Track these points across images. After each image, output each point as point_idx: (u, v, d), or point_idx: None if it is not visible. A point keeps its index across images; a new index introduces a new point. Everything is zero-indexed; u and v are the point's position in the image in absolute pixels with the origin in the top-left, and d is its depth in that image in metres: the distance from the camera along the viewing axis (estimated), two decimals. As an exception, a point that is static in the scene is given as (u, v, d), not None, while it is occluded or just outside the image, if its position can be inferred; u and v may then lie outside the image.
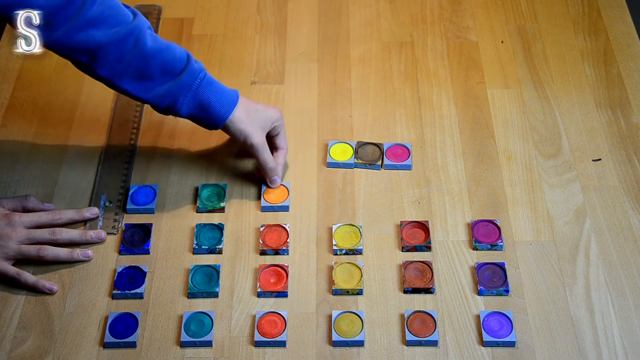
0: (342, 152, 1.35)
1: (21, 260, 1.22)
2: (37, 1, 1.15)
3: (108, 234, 1.27)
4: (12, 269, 1.20)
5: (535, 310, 1.18)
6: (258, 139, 1.29)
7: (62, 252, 1.23)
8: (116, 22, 1.20)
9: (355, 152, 1.35)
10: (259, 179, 1.33)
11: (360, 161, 1.34)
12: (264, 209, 1.30)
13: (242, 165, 1.36)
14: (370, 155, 1.35)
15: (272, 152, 1.32)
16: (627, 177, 1.32)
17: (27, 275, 1.20)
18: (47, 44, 1.19)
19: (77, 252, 1.23)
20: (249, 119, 1.28)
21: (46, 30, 1.17)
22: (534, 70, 1.48)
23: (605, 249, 1.24)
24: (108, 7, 1.20)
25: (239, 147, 1.35)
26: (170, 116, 1.44)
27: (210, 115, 1.26)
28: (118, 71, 1.22)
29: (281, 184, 1.32)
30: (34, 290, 1.20)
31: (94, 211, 1.28)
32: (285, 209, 1.30)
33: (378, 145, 1.36)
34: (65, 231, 1.25)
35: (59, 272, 1.23)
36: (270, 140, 1.33)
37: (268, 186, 1.32)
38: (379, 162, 1.34)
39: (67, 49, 1.20)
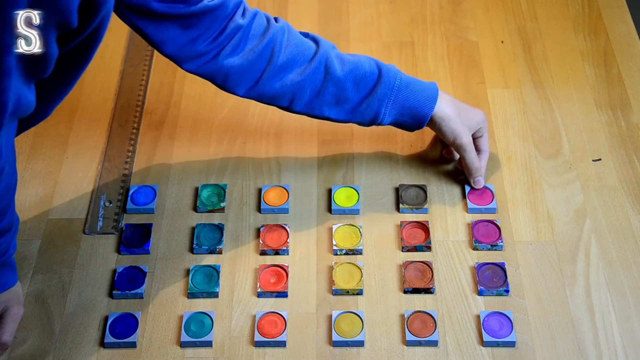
0: (347, 198, 1.30)
1: None
2: (231, 63, 1.20)
3: (107, 233, 1.27)
4: None
5: (535, 310, 1.18)
6: (467, 139, 1.28)
7: None
8: (304, 58, 1.23)
9: (400, 196, 1.30)
10: (258, 178, 1.34)
11: (407, 206, 1.29)
12: (264, 211, 1.30)
13: (242, 166, 1.36)
14: (415, 199, 1.30)
15: None
16: (627, 177, 1.32)
17: None
18: (247, 96, 1.24)
19: None
20: (460, 118, 1.28)
21: (245, 84, 1.22)
22: (534, 70, 1.48)
23: (605, 249, 1.24)
24: (294, 47, 1.23)
25: (446, 144, 1.33)
26: (170, 116, 1.44)
27: (413, 117, 1.27)
28: (317, 103, 1.25)
29: (281, 187, 1.32)
30: None
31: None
32: (285, 211, 1.30)
33: (422, 187, 1.31)
34: None
35: (59, 272, 1.23)
36: (474, 141, 1.31)
37: (472, 187, 1.30)
38: (426, 206, 1.29)
39: (268, 98, 1.25)
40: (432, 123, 1.28)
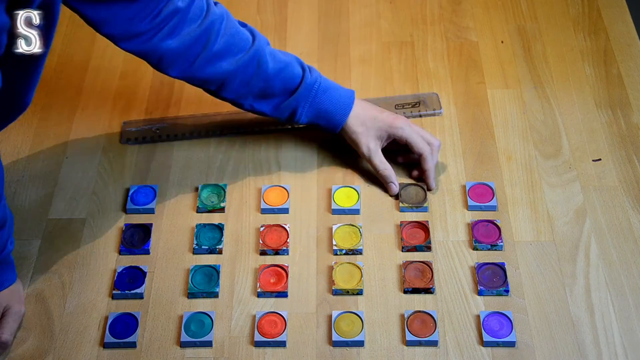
0: (347, 198, 1.30)
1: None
2: (168, 45, 1.22)
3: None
4: None
5: (535, 310, 1.18)
6: (364, 149, 1.31)
7: None
8: (239, 49, 1.27)
9: (400, 195, 1.31)
10: (258, 179, 1.34)
11: (406, 205, 1.29)
12: (264, 211, 1.30)
13: (242, 166, 1.36)
14: (415, 197, 1.31)
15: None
16: (627, 177, 1.32)
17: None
18: (179, 77, 1.27)
19: None
20: (365, 127, 1.31)
21: (179, 67, 1.25)
22: (534, 70, 1.48)
23: (605, 249, 1.24)
24: (231, 36, 1.26)
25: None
26: (170, 116, 1.44)
27: (328, 122, 1.32)
28: (243, 93, 1.29)
29: (281, 187, 1.32)
30: None
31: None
32: (285, 211, 1.29)
33: (422, 186, 1.31)
34: None
35: (59, 272, 1.23)
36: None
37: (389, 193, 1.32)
38: (426, 204, 1.30)
39: (198, 81, 1.28)
40: (342, 131, 1.32)
